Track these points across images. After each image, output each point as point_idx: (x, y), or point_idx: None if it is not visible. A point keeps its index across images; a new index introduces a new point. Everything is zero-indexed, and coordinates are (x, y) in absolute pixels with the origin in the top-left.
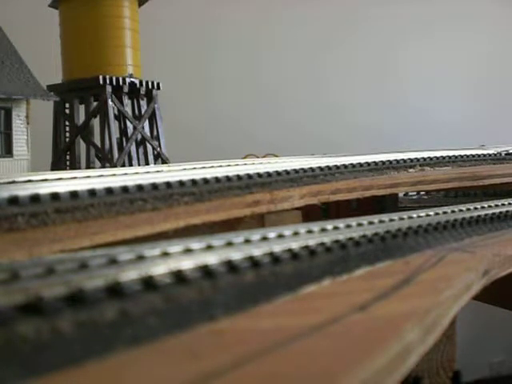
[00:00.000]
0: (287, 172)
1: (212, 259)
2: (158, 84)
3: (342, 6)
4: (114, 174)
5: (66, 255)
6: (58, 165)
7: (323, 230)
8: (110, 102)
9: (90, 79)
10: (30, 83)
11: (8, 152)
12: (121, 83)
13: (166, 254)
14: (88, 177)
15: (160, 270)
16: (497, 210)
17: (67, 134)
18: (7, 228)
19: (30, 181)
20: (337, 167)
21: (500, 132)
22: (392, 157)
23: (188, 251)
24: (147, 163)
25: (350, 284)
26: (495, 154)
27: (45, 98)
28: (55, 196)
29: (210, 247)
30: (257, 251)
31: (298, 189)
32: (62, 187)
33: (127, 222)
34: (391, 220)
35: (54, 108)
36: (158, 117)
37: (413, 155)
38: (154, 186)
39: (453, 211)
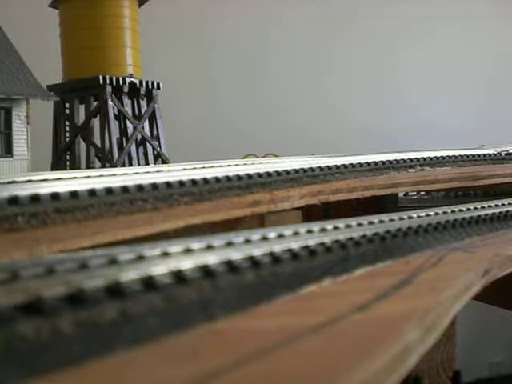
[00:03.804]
0: (287, 172)
1: (212, 259)
2: (158, 84)
3: (341, 6)
4: (114, 174)
5: (66, 255)
6: (58, 165)
7: (323, 230)
8: (110, 102)
9: (89, 79)
10: (30, 83)
11: (8, 152)
12: (121, 83)
13: (165, 254)
14: (88, 177)
15: (160, 269)
16: (497, 210)
17: (67, 134)
18: (7, 228)
19: (30, 181)
20: (337, 167)
21: (500, 132)
22: (392, 157)
23: (188, 251)
24: (147, 163)
25: (350, 284)
26: (495, 154)
27: (45, 98)
28: (55, 196)
29: (209, 247)
30: (257, 251)
31: (298, 189)
32: (62, 187)
33: (127, 222)
34: (391, 220)
35: (53, 108)
36: (157, 117)
37: (413, 155)
38: (154, 186)
39: (453, 211)
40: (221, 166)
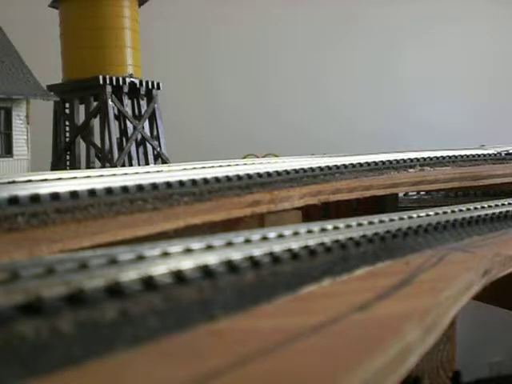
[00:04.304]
0: (287, 172)
1: (212, 259)
2: (158, 84)
3: (342, 6)
4: (114, 174)
5: (66, 255)
6: (58, 165)
7: (323, 229)
8: (110, 102)
9: (90, 79)
10: (29, 83)
11: (8, 152)
12: (121, 83)
13: (165, 254)
14: (88, 177)
15: (160, 269)
16: (497, 210)
17: (67, 134)
18: (7, 228)
19: (30, 181)
20: (337, 167)
21: (500, 132)
22: (392, 157)
23: (188, 251)
24: (147, 163)
25: (350, 284)
26: (495, 154)
27: (45, 98)
28: (55, 196)
29: (209, 247)
30: (257, 251)
31: (298, 189)
32: (62, 187)
33: (127, 222)
34: (391, 220)
35: (53, 108)
36: (157, 117)
37: (413, 155)
38: (154, 186)
39: (453, 211)
40: (221, 166)
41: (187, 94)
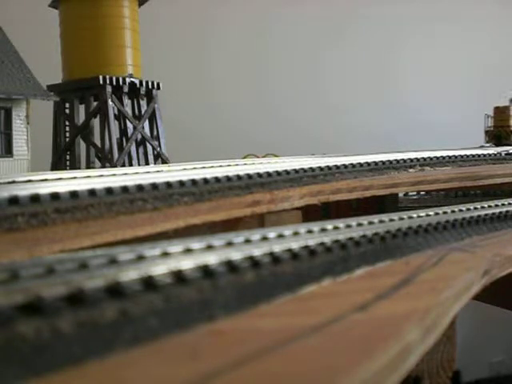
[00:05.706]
0: (287, 172)
1: (212, 259)
2: (158, 84)
3: (342, 6)
4: (114, 174)
5: (66, 255)
6: (58, 165)
7: (323, 229)
8: (110, 102)
9: (90, 79)
10: (29, 83)
11: (8, 152)
12: (121, 83)
13: (165, 254)
14: (88, 177)
15: (160, 269)
16: (497, 210)
17: (67, 134)
18: (7, 228)
19: (30, 181)
20: (337, 167)
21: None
22: (392, 157)
23: (188, 251)
24: (147, 163)
25: (350, 284)
26: (495, 154)
27: (45, 98)
28: (55, 196)
29: (210, 247)
30: (257, 251)
31: (298, 189)
32: (62, 187)
33: (127, 222)
34: (391, 220)
35: (53, 108)
36: (158, 117)
37: (413, 155)
38: (154, 186)
39: (453, 211)
40: (221, 166)
41: (187, 94)
